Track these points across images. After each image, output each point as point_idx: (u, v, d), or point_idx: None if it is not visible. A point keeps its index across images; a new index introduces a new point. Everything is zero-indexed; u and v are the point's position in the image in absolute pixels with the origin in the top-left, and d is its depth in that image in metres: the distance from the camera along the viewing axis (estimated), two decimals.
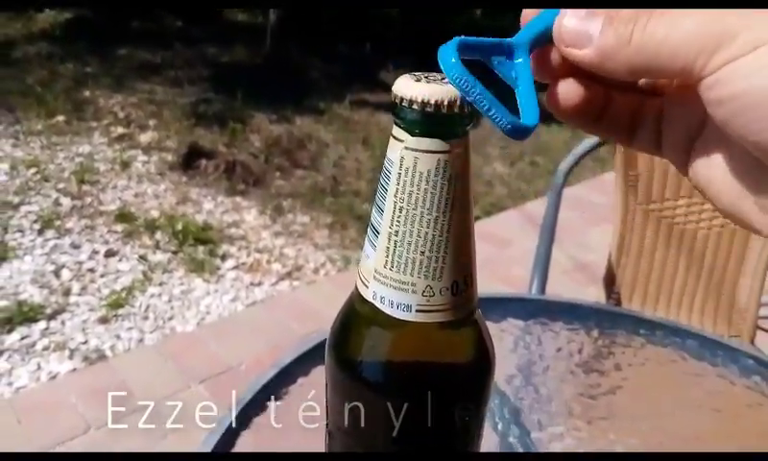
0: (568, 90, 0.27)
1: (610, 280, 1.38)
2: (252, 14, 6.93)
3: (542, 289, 1.23)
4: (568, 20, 0.25)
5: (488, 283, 2.19)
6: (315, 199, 3.01)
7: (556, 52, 0.26)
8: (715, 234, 1.24)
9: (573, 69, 0.26)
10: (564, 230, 1.44)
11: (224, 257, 2.44)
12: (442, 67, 0.25)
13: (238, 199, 2.94)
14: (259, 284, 2.30)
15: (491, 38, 0.26)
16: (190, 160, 3.17)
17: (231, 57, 5.36)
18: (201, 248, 2.47)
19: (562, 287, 2.20)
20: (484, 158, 3.71)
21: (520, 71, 0.26)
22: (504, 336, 0.82)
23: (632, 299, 1.36)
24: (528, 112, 0.26)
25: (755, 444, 0.66)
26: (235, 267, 2.39)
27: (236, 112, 3.90)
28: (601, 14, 0.25)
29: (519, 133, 0.26)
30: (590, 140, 1.26)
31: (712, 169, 0.26)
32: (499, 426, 0.68)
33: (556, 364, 0.79)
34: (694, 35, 0.22)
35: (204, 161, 3.15)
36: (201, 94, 4.24)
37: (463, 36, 0.26)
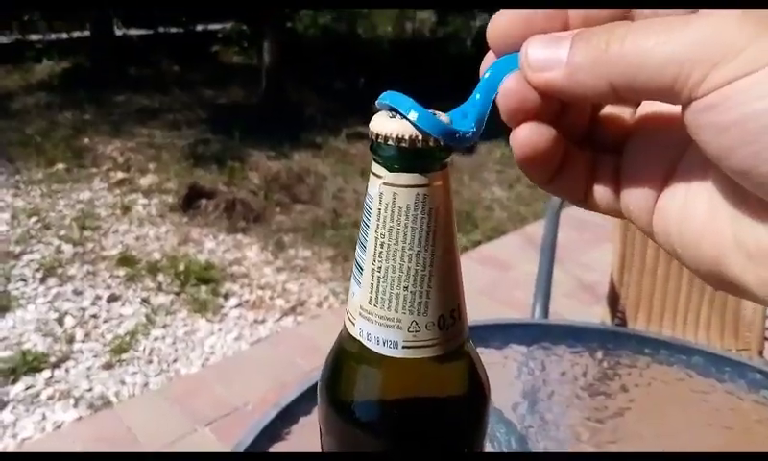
0: (528, 136, 0.24)
1: (613, 300, 1.37)
2: (247, 56, 7.03)
3: (545, 312, 1.23)
4: (533, 50, 0.23)
5: (490, 308, 2.18)
6: (316, 232, 3.01)
7: (520, 90, 0.24)
8: None
9: (536, 112, 0.24)
10: (565, 250, 1.44)
11: (226, 296, 2.44)
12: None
13: (239, 236, 2.95)
14: (263, 321, 2.29)
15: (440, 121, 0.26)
16: (190, 201, 3.18)
17: (228, 98, 5.42)
18: (203, 287, 2.47)
19: (566, 309, 2.19)
20: (481, 183, 3.72)
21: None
22: (507, 363, 0.81)
23: (637, 317, 1.35)
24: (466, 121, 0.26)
25: None
26: (238, 305, 2.38)
27: (234, 151, 3.93)
28: (567, 36, 0.22)
29: (430, 124, 0.26)
30: None
31: (690, 211, 0.22)
32: None
33: (561, 389, 0.78)
34: (690, 45, 0.19)
35: (204, 201, 3.16)
36: (199, 135, 4.28)
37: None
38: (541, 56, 0.23)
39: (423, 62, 6.12)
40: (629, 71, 0.20)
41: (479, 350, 0.32)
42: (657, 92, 0.20)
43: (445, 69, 5.89)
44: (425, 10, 7.18)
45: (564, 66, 0.22)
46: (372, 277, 0.28)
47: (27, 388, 1.89)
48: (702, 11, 0.21)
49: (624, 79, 0.20)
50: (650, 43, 0.20)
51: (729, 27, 0.19)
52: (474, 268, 2.55)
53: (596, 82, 0.21)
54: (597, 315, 1.65)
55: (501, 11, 0.25)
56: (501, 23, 0.24)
